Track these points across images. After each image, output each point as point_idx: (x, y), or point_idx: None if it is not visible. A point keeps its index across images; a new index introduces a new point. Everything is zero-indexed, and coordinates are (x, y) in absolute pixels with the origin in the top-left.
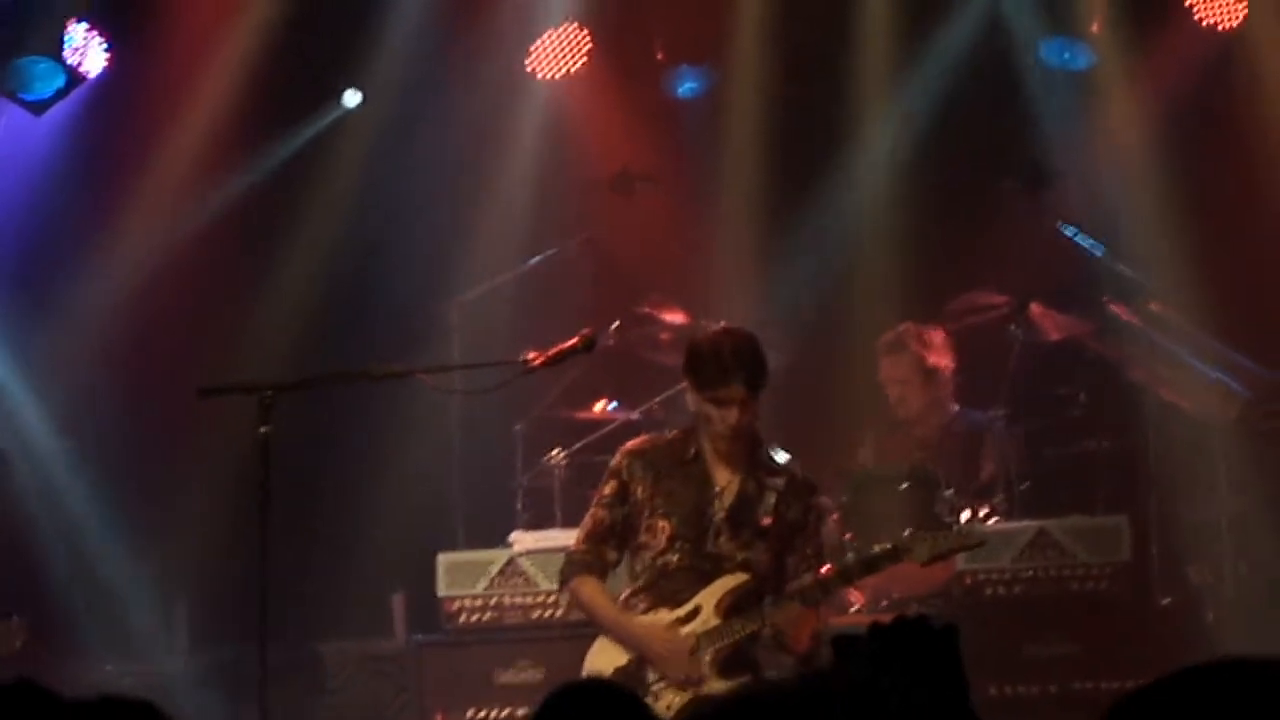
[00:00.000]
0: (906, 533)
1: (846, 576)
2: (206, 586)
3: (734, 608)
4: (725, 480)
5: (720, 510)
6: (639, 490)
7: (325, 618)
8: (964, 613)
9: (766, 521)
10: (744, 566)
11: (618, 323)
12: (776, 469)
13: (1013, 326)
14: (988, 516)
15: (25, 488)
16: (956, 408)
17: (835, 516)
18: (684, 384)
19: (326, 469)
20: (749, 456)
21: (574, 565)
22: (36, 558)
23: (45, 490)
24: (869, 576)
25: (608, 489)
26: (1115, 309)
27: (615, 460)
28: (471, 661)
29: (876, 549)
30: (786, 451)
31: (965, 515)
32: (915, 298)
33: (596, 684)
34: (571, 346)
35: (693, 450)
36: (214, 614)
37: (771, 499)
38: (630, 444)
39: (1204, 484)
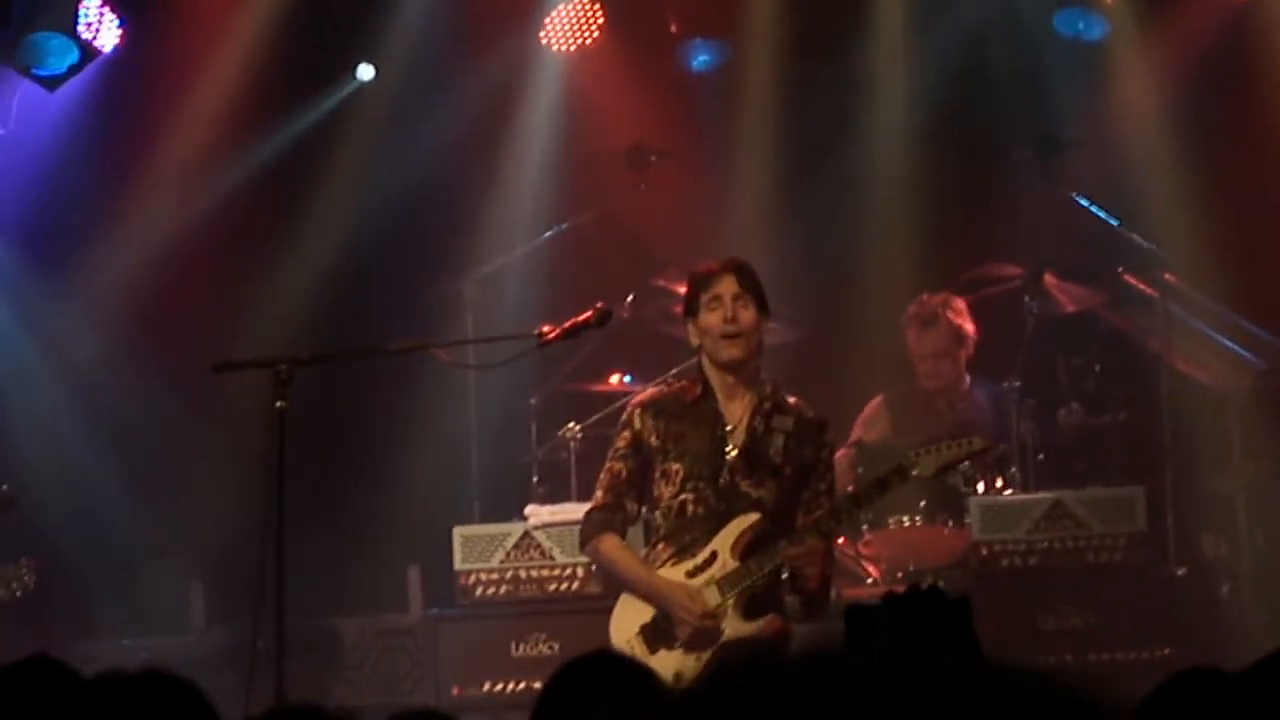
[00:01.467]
0: (911, 450)
1: (857, 501)
2: (222, 562)
3: (750, 548)
4: (736, 418)
5: (733, 448)
6: (651, 439)
7: (341, 592)
8: (980, 584)
9: (779, 462)
10: (757, 506)
11: (632, 296)
12: (784, 406)
13: (1027, 298)
14: (1003, 488)
15: (40, 463)
16: (969, 379)
17: (843, 452)
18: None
19: (342, 444)
20: (756, 389)
21: (593, 523)
22: (51, 534)
23: (60, 467)
24: (882, 497)
25: (621, 441)
26: (1130, 280)
27: (626, 412)
28: (487, 635)
29: (884, 471)
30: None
31: (980, 487)
32: (930, 270)
33: (607, 657)
34: (585, 320)
35: (699, 389)
36: (229, 590)
37: (781, 440)
38: (640, 395)
39: (1219, 455)
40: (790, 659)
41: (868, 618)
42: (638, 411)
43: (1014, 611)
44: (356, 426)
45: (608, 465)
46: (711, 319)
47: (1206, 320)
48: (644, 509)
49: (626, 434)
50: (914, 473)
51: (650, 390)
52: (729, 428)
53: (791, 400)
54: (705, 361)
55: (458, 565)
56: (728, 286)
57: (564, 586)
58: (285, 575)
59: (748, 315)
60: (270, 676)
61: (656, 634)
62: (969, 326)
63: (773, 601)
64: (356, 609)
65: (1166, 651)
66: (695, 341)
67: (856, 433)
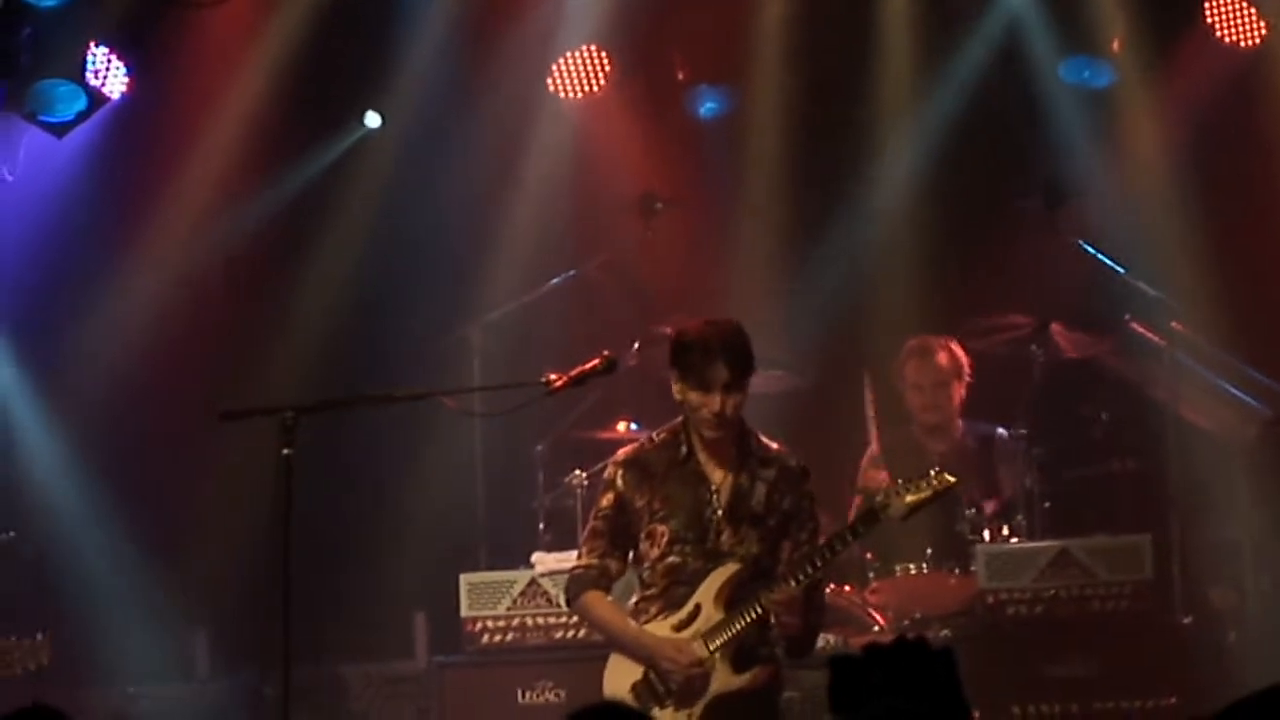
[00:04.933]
0: (880, 494)
1: (832, 547)
2: (228, 610)
3: (732, 599)
4: (720, 477)
5: (718, 507)
6: (636, 499)
7: (347, 639)
8: (986, 632)
9: (762, 512)
10: (740, 559)
11: (638, 343)
12: (767, 458)
13: (1034, 346)
14: (1009, 536)
15: (45, 511)
16: (962, 423)
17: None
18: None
19: (349, 491)
20: (739, 448)
21: (579, 582)
22: (56, 582)
23: (65, 514)
24: (856, 540)
25: (604, 500)
26: (1137, 328)
27: (609, 471)
28: (493, 682)
29: (854, 515)
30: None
31: (987, 535)
32: (937, 317)
33: (612, 707)
34: (593, 368)
35: (684, 449)
36: (235, 637)
37: (763, 490)
38: (621, 453)
39: (1225, 503)
40: None
41: (852, 669)
42: (620, 471)
43: (1020, 659)
44: (363, 473)
45: (591, 525)
46: (698, 401)
47: (1213, 368)
48: (627, 566)
49: (610, 494)
50: (885, 514)
51: (631, 447)
52: (714, 488)
53: (774, 448)
54: (688, 419)
55: (464, 612)
56: (719, 376)
57: (570, 634)
58: (290, 622)
59: (735, 401)
60: None
61: (648, 692)
62: (965, 361)
63: (762, 652)
64: (362, 656)
65: (1172, 700)
66: (679, 398)
67: (860, 480)
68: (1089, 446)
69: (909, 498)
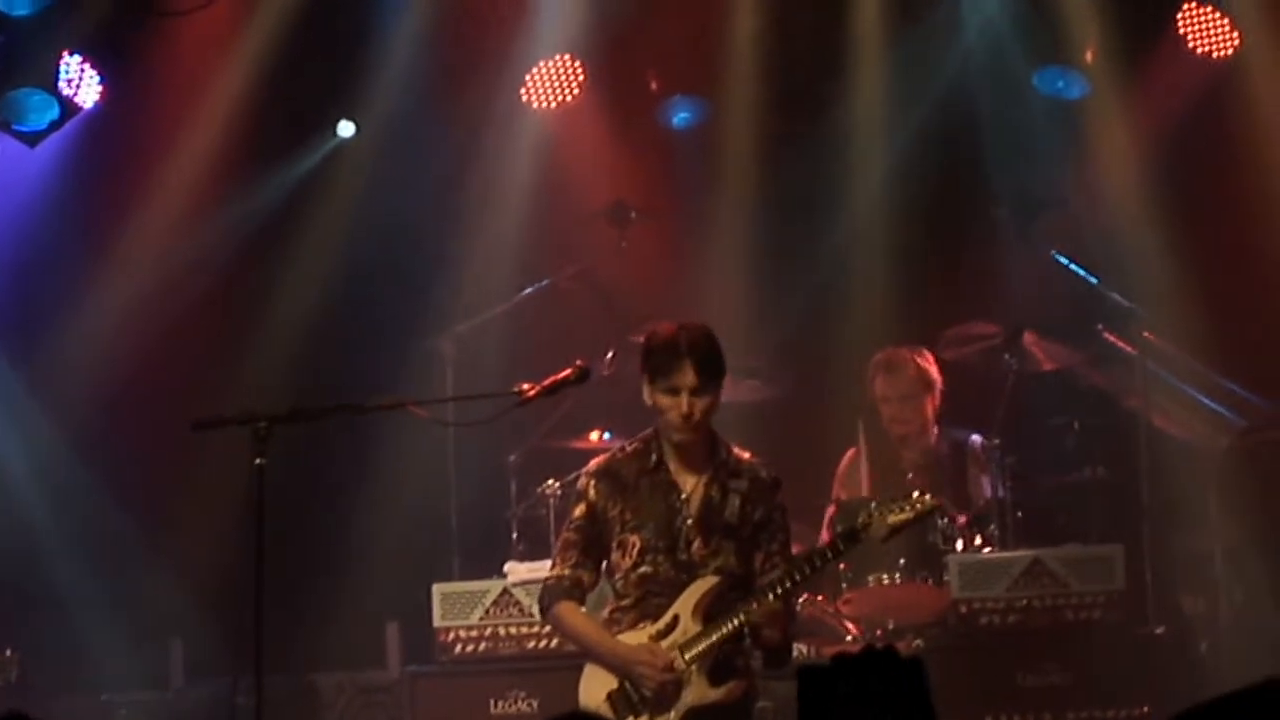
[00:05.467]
0: (861, 515)
1: (812, 564)
2: (201, 619)
3: (710, 612)
4: (690, 485)
5: (688, 517)
6: (608, 509)
7: (320, 649)
8: (959, 642)
9: (736, 523)
10: (716, 571)
11: (612, 353)
12: (739, 469)
13: (1006, 356)
14: (982, 545)
15: (18, 521)
16: (937, 429)
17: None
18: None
19: (321, 501)
20: (709, 456)
21: (551, 592)
22: (29, 591)
23: (38, 523)
24: (837, 560)
25: (577, 511)
26: (1109, 338)
27: (581, 482)
28: (466, 692)
29: (833, 533)
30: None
31: (959, 545)
32: (908, 327)
33: (584, 717)
34: (565, 378)
35: (654, 457)
36: (210, 646)
37: (736, 501)
38: (593, 464)
39: (1198, 512)
40: None
41: (820, 679)
42: (592, 482)
43: (993, 669)
44: (336, 483)
45: (563, 535)
46: (666, 403)
47: (1185, 378)
48: (599, 577)
49: (582, 505)
50: (866, 534)
51: (603, 457)
52: (684, 496)
53: (745, 457)
54: (659, 426)
55: (437, 622)
56: (686, 379)
57: (543, 644)
58: (264, 631)
59: (704, 404)
60: None
61: (624, 702)
62: (935, 373)
63: (738, 663)
64: (336, 665)
65: (1145, 709)
66: (649, 402)
67: (835, 489)
68: (1062, 456)
69: (890, 519)
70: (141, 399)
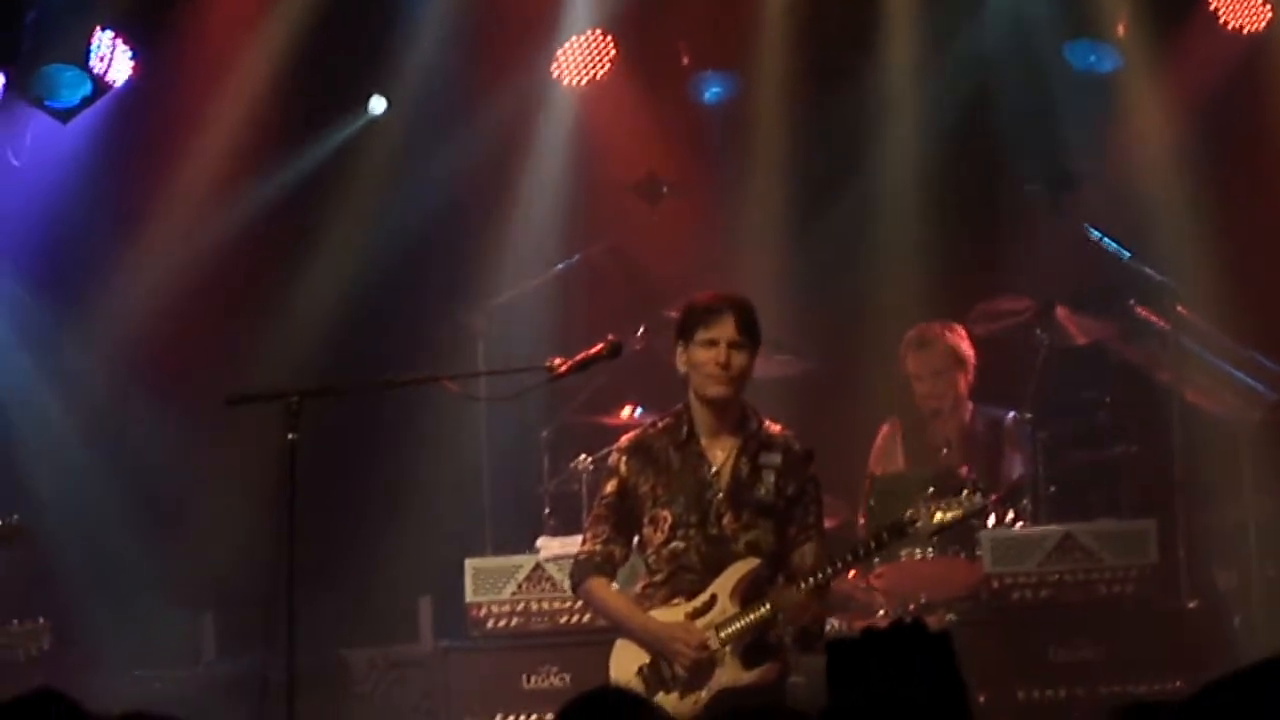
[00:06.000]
0: (910, 509)
1: (856, 556)
2: (233, 594)
3: (749, 594)
4: (720, 458)
5: (719, 490)
6: (640, 484)
7: (351, 624)
8: (992, 616)
9: (771, 500)
10: (751, 548)
11: (643, 328)
12: (771, 441)
13: (1038, 330)
14: (1014, 520)
15: (50, 495)
16: (972, 405)
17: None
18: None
19: (353, 475)
20: (739, 427)
21: (583, 567)
22: (61, 566)
23: (70, 499)
24: (879, 553)
25: (609, 486)
26: (1141, 312)
27: (613, 458)
28: (498, 667)
29: (885, 525)
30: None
31: (991, 520)
32: (941, 301)
33: (610, 692)
34: (597, 353)
35: (685, 430)
36: (240, 622)
37: (771, 477)
38: (625, 439)
39: (1231, 487)
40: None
41: (849, 653)
42: (623, 457)
43: (1025, 644)
44: (368, 458)
45: (595, 510)
46: (704, 356)
47: (1218, 352)
48: (630, 551)
49: (614, 480)
50: (912, 529)
51: (634, 433)
52: (714, 470)
53: (777, 430)
54: (691, 396)
55: (469, 597)
56: (726, 330)
57: (575, 619)
58: (296, 606)
59: (741, 360)
60: (281, 708)
61: (654, 677)
62: (967, 348)
63: (771, 646)
64: (367, 640)
65: (1178, 684)
66: (682, 369)
67: (870, 463)
68: (1094, 431)
69: (938, 516)
70: (173, 374)
